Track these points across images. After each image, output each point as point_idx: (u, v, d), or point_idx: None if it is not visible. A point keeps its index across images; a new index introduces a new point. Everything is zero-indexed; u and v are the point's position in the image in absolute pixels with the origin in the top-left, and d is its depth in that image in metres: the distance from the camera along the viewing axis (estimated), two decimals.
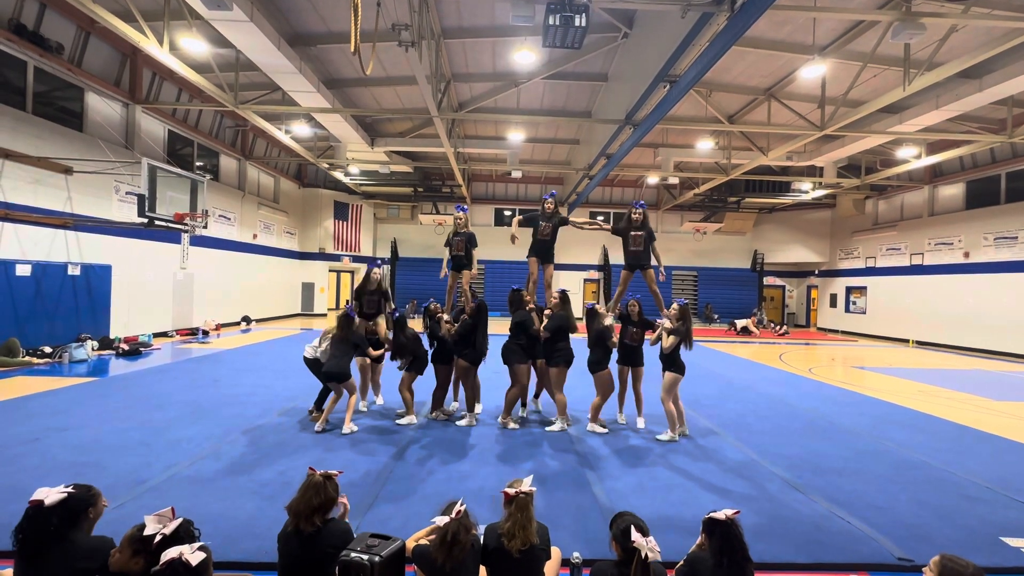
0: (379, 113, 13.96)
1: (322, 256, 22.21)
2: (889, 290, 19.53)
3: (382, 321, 6.43)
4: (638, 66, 10.17)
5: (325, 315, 22.20)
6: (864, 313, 20.81)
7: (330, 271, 23.06)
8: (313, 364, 6.04)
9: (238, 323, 16.79)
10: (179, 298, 13.99)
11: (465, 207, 6.85)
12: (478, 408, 6.38)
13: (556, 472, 4.60)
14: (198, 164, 15.01)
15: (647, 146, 16.64)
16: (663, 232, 24.88)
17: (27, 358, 9.00)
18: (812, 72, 10.58)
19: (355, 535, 2.46)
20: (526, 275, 6.63)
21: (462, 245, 6.52)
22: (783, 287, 25.46)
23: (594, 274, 24.31)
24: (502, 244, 22.80)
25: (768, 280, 24.72)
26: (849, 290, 21.82)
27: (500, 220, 24.85)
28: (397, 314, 6.29)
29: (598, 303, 6.35)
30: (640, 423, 6.14)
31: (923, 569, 2.08)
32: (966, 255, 16.37)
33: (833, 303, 22.81)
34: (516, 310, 6.04)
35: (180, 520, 2.14)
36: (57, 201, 10.22)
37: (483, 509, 3.49)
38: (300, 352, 11.47)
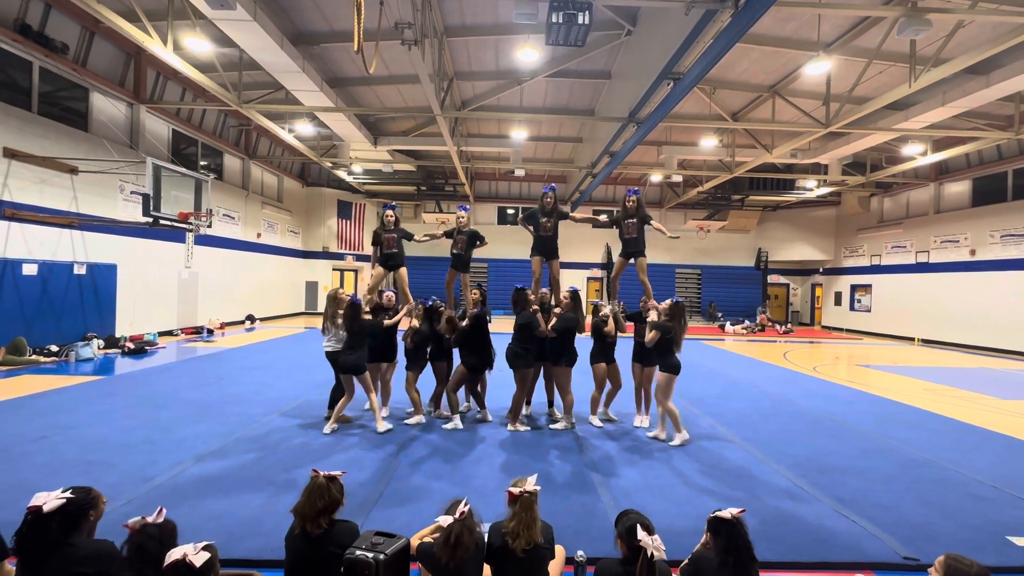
0: (382, 112, 13.97)
1: (326, 255, 22.25)
2: (894, 288, 19.43)
3: (404, 273, 6.26)
4: (641, 63, 10.14)
5: None
6: (869, 311, 20.71)
7: (334, 270, 23.10)
8: (335, 357, 5.86)
9: (242, 322, 16.86)
10: (184, 297, 14.05)
11: (467, 207, 6.77)
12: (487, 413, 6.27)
13: (560, 471, 4.61)
14: (202, 163, 15.06)
15: (650, 144, 16.58)
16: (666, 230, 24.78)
17: (34, 357, 9.07)
18: (817, 69, 10.49)
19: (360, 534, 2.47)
20: (525, 274, 6.57)
21: (463, 243, 6.38)
22: (787, 285, 25.37)
23: (597, 272, 24.28)
24: (505, 243, 22.92)
25: (772, 278, 24.63)
26: (854, 288, 21.72)
27: (503, 218, 24.84)
28: (429, 303, 6.12)
29: (603, 300, 6.30)
30: (643, 421, 6.14)
31: (929, 569, 2.07)
32: (972, 253, 16.26)
33: (838, 301, 22.71)
34: (520, 311, 5.94)
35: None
36: (63, 201, 10.27)
37: (487, 508, 3.49)
38: (303, 351, 11.57)
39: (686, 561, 2.41)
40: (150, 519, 2.14)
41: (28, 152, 9.40)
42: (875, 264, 20.54)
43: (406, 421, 5.95)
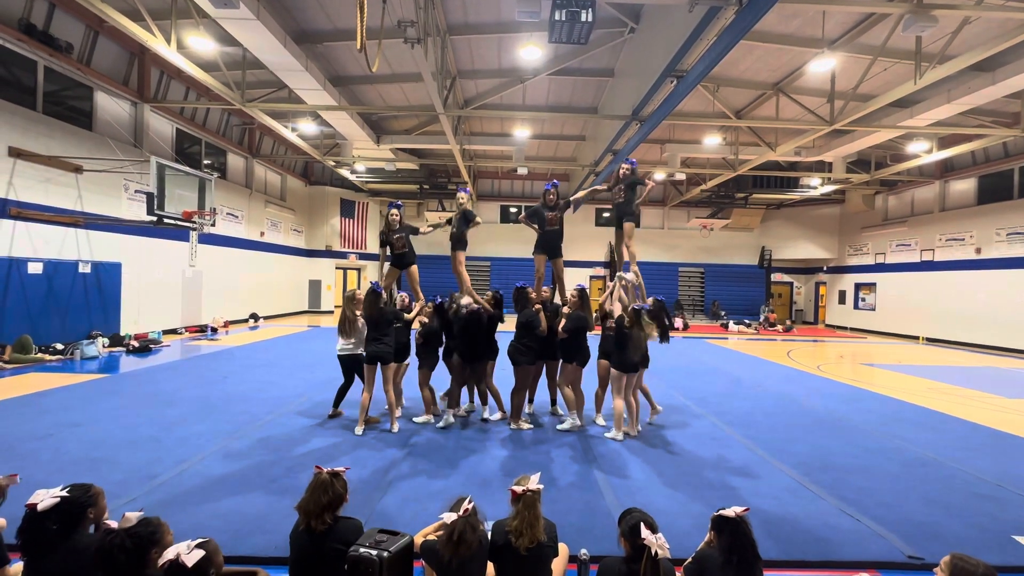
0: (385, 110, 13.97)
1: (329, 253, 22.29)
2: (899, 286, 19.34)
3: (415, 272, 6.31)
4: (645, 61, 10.10)
5: (332, 312, 22.30)
6: (873, 310, 20.62)
7: (337, 268, 23.15)
8: (350, 360, 5.88)
9: (246, 320, 16.92)
10: (188, 295, 14.11)
11: (467, 188, 6.70)
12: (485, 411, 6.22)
13: (564, 469, 4.61)
14: (206, 162, 15.10)
15: (654, 142, 16.54)
16: (669, 228, 24.78)
17: (39, 355, 9.12)
18: (821, 66, 10.45)
19: (364, 531, 2.48)
20: (528, 272, 6.55)
21: (456, 222, 6.28)
22: (791, 284, 25.28)
23: (600, 271, 24.25)
24: (508, 241, 22.96)
25: (776, 276, 24.56)
26: (858, 286, 21.63)
27: (506, 217, 24.83)
28: (439, 300, 6.14)
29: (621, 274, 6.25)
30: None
31: (934, 569, 2.07)
32: (978, 251, 16.17)
33: (842, 300, 22.63)
34: (521, 309, 5.92)
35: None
36: (67, 200, 10.32)
37: (491, 506, 3.50)
38: (307, 349, 11.60)
39: (690, 560, 2.41)
40: (116, 524, 2.06)
41: (33, 151, 9.45)
42: (880, 262, 20.44)
43: (415, 419, 5.94)
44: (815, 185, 19.77)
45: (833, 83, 11.39)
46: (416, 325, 6.06)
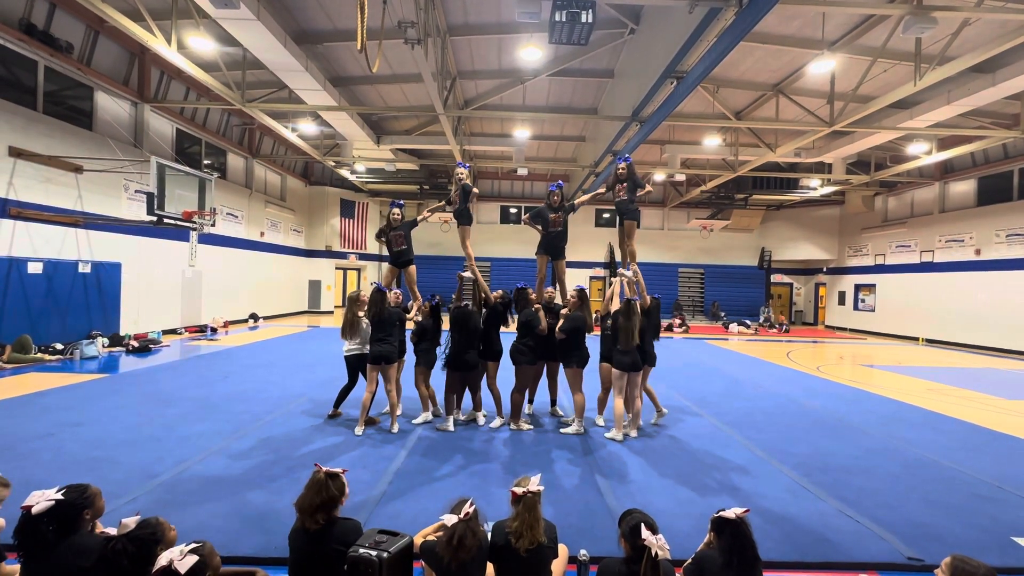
0: (385, 111, 13.98)
1: (329, 254, 22.29)
2: (899, 288, 19.34)
3: (413, 271, 6.40)
4: (645, 62, 10.11)
5: (332, 312, 22.30)
6: (873, 311, 20.63)
7: (337, 269, 23.14)
8: (357, 361, 5.90)
9: (246, 320, 16.91)
10: (188, 295, 14.10)
11: (467, 164, 6.64)
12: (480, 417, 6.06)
13: (563, 470, 4.61)
14: (206, 162, 15.10)
15: (653, 143, 16.55)
16: (669, 229, 24.78)
17: (39, 355, 9.12)
18: (821, 67, 10.46)
19: (363, 532, 2.48)
20: (532, 272, 6.56)
21: (458, 198, 6.27)
22: (791, 284, 25.30)
23: (600, 271, 24.26)
24: (508, 241, 22.95)
25: (776, 277, 24.56)
26: (858, 287, 21.64)
27: (506, 217, 24.84)
28: (435, 301, 6.18)
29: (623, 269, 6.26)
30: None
31: (935, 570, 2.06)
32: (977, 252, 16.18)
33: (842, 301, 22.63)
34: (522, 309, 5.93)
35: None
36: (67, 199, 10.32)
37: (491, 507, 3.50)
38: (307, 349, 11.59)
39: (689, 561, 2.40)
40: (115, 531, 2.07)
41: (33, 151, 9.45)
42: (879, 264, 20.45)
43: (414, 421, 5.94)
44: (815, 186, 19.79)
45: (833, 84, 11.40)
46: (410, 324, 6.07)
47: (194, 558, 1.89)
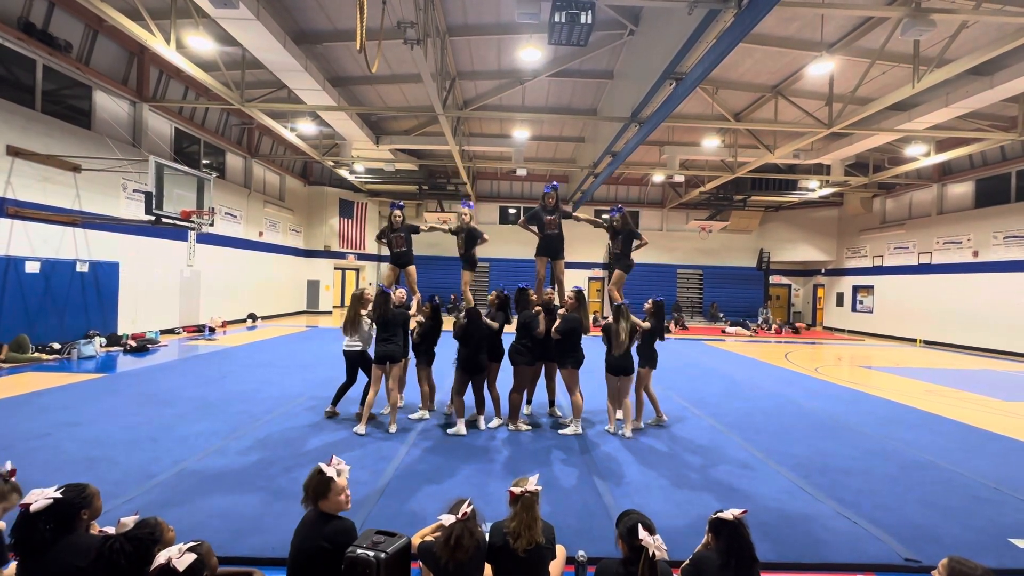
0: (384, 111, 13.98)
1: (327, 254, 22.27)
2: (897, 289, 19.38)
3: (413, 271, 6.50)
4: (644, 63, 10.13)
5: (330, 312, 22.28)
6: (871, 312, 20.66)
7: (335, 269, 23.12)
8: (358, 357, 5.95)
9: (244, 320, 16.89)
10: (186, 295, 14.08)
11: (471, 203, 6.71)
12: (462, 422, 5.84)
13: (561, 471, 4.61)
14: (204, 162, 15.08)
15: (652, 144, 16.56)
16: (668, 230, 24.81)
17: (36, 354, 9.09)
18: (820, 69, 10.49)
19: (359, 532, 2.47)
20: (531, 273, 6.56)
21: (462, 242, 6.33)
22: (789, 286, 25.33)
23: (599, 272, 24.28)
24: (507, 242, 22.90)
25: (774, 279, 24.60)
26: (856, 289, 21.68)
27: (505, 218, 24.84)
28: (436, 300, 6.32)
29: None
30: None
31: (932, 571, 2.07)
32: (975, 254, 16.22)
33: (840, 302, 22.67)
34: (521, 310, 5.93)
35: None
36: (66, 199, 10.30)
37: (489, 507, 3.50)
38: (305, 349, 11.57)
39: (687, 562, 2.40)
40: (113, 530, 2.07)
41: (31, 150, 9.43)
42: (877, 265, 20.49)
43: (411, 416, 6.03)
44: (813, 188, 19.83)
45: (832, 86, 11.43)
46: (413, 324, 6.11)
47: (192, 556, 1.89)
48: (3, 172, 9.08)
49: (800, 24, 9.58)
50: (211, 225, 11.79)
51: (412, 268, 6.49)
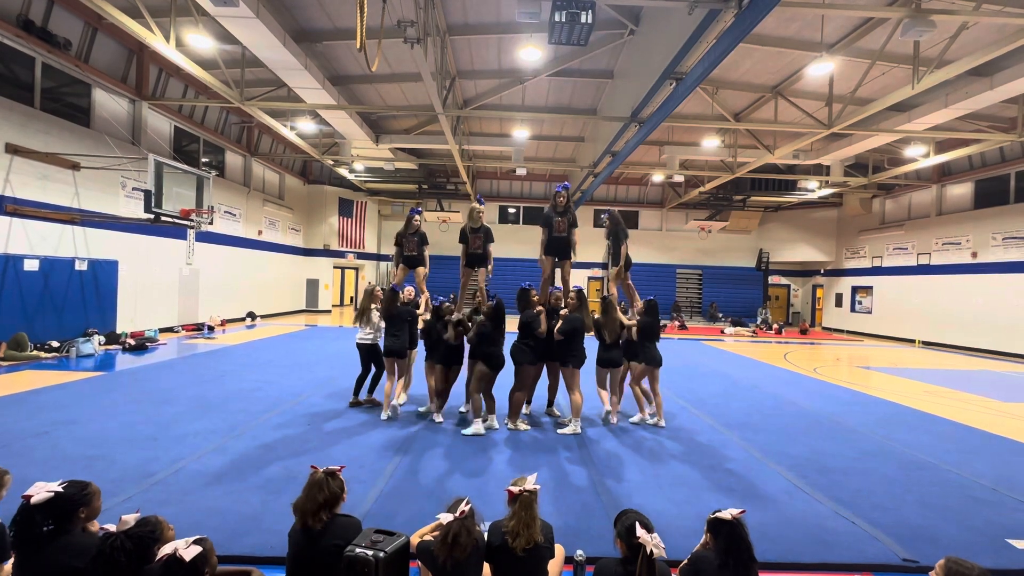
0: (384, 110, 13.96)
1: (327, 252, 22.26)
2: (895, 290, 19.41)
3: (422, 270, 6.77)
4: (644, 63, 10.13)
5: (329, 311, 22.28)
6: (870, 313, 20.69)
7: (335, 268, 23.12)
8: (370, 350, 6.43)
9: (243, 319, 16.88)
10: (185, 293, 14.07)
11: (483, 200, 6.67)
12: (492, 419, 5.88)
13: (560, 470, 4.61)
14: (204, 160, 15.06)
15: (652, 144, 16.58)
16: (667, 230, 24.83)
17: (35, 352, 9.08)
18: (820, 70, 10.49)
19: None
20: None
21: (479, 241, 6.32)
22: (788, 286, 25.36)
23: (598, 272, 24.28)
24: (507, 241, 22.93)
25: (773, 279, 24.62)
26: (855, 290, 21.71)
27: (505, 217, 24.85)
28: (438, 301, 6.35)
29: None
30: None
31: (929, 572, 2.07)
32: (974, 255, 16.24)
33: (839, 303, 22.70)
34: (524, 309, 5.90)
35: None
36: (64, 197, 10.28)
37: (487, 507, 3.50)
38: (304, 348, 11.57)
39: (685, 561, 2.41)
40: (114, 528, 2.06)
41: (30, 148, 9.41)
42: (876, 266, 20.52)
43: (420, 409, 6.34)
44: (813, 188, 19.85)
45: (831, 87, 11.44)
46: (421, 323, 6.47)
47: (198, 548, 1.91)
48: (2, 170, 9.06)
49: (800, 24, 9.59)
50: (210, 224, 11.77)
51: (421, 269, 6.78)
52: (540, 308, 5.92)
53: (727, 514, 2.28)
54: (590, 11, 6.71)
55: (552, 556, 2.52)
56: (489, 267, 6.47)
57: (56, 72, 10.18)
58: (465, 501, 2.39)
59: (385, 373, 6.25)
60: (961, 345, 16.38)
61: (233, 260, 16.36)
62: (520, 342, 5.87)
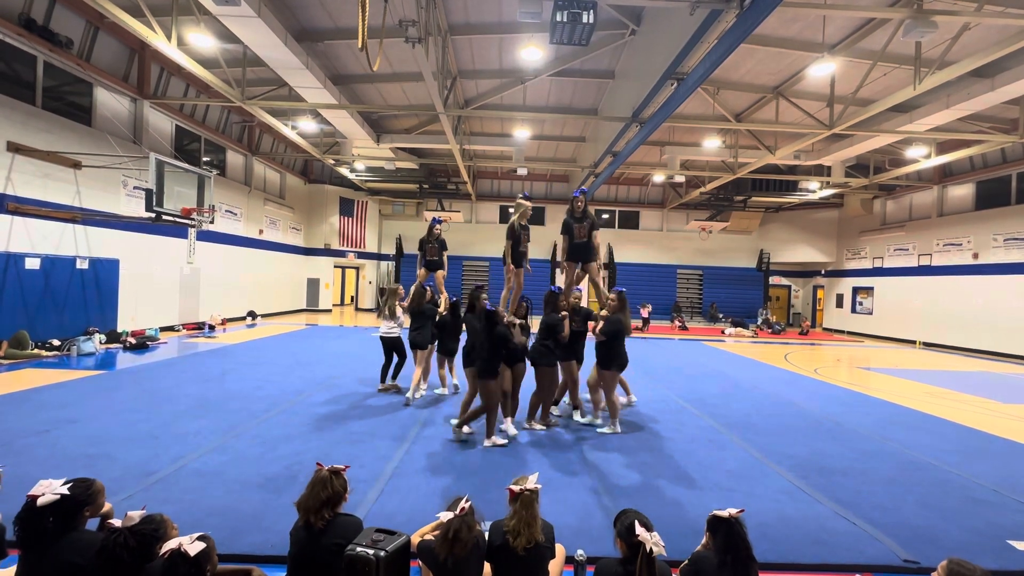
0: (385, 109, 13.96)
1: (327, 252, 22.26)
2: (896, 291, 19.39)
3: (441, 273, 7.64)
4: (645, 63, 10.12)
5: (330, 310, 22.28)
6: (871, 314, 20.67)
7: (335, 267, 23.12)
8: (394, 342, 7.28)
9: (244, 318, 16.89)
10: (185, 292, 14.07)
11: (529, 195, 6.52)
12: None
13: (562, 470, 4.61)
14: (205, 159, 15.07)
15: (653, 144, 16.57)
16: (668, 231, 24.82)
17: (36, 351, 9.09)
18: (821, 70, 10.49)
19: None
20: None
21: (526, 237, 6.22)
22: (789, 287, 25.33)
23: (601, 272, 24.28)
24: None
25: (774, 279, 24.60)
26: (856, 290, 21.69)
27: (505, 217, 24.80)
28: (454, 299, 7.06)
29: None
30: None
31: (931, 573, 2.07)
32: (975, 256, 16.23)
33: (839, 303, 22.68)
34: (550, 312, 5.86)
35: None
36: (66, 195, 10.29)
37: (488, 506, 3.50)
38: (305, 347, 11.58)
39: (686, 562, 2.41)
40: (118, 522, 2.08)
41: (32, 146, 9.42)
42: (877, 267, 20.50)
43: (436, 390, 7.33)
44: (814, 189, 19.83)
45: (833, 87, 11.43)
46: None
47: (202, 544, 1.93)
48: (3, 168, 9.07)
49: (802, 25, 9.58)
50: (211, 223, 11.79)
51: (440, 273, 7.65)
52: (565, 313, 5.87)
53: (726, 513, 2.29)
54: (592, 11, 6.71)
55: (553, 556, 2.52)
56: (527, 265, 6.36)
57: (58, 71, 10.19)
58: (465, 499, 2.39)
59: (411, 361, 7.10)
60: (962, 346, 16.36)
61: (234, 259, 16.37)
62: (540, 343, 5.83)
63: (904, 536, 3.52)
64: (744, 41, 7.04)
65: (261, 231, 18.18)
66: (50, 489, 2.17)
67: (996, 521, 3.84)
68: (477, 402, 5.45)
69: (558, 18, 6.73)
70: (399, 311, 7.24)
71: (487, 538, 2.46)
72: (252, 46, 9.39)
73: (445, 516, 2.33)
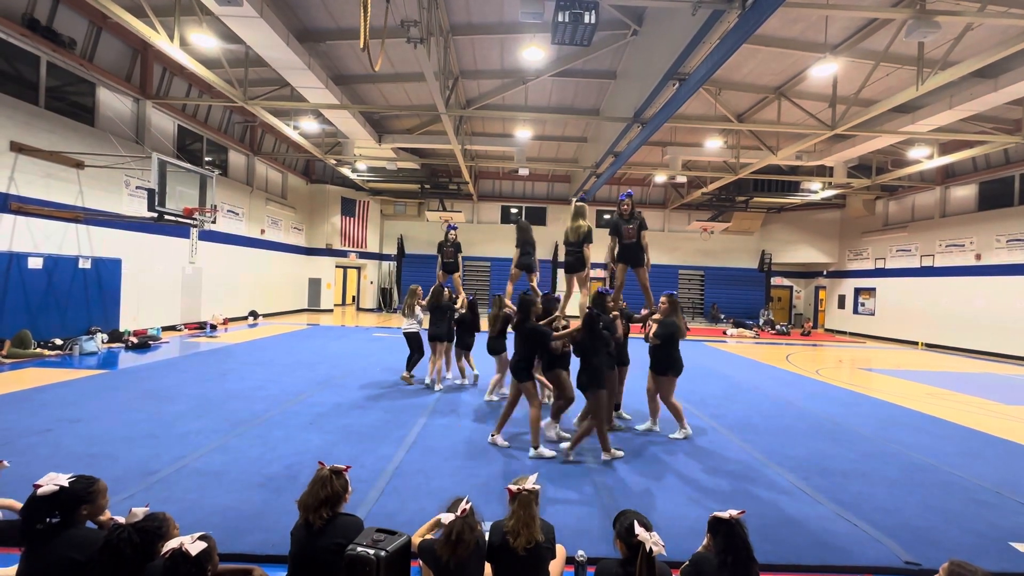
0: (387, 110, 13.98)
1: (329, 252, 22.29)
2: (899, 292, 19.35)
3: (458, 277, 8.24)
4: (647, 64, 10.11)
5: (331, 310, 22.30)
6: (873, 315, 20.63)
7: (337, 267, 23.14)
8: (414, 337, 7.85)
9: (245, 318, 16.91)
10: (187, 292, 14.10)
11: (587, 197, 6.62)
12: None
13: (563, 470, 4.61)
14: (207, 159, 15.10)
15: (655, 144, 16.55)
16: (669, 231, 24.79)
17: (38, 350, 9.12)
18: (823, 71, 10.47)
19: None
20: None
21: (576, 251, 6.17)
22: (791, 288, 25.29)
23: (600, 272, 24.26)
24: (508, 241, 22.90)
25: (776, 280, 24.56)
26: (858, 291, 21.64)
27: (507, 217, 24.82)
28: (471, 297, 7.75)
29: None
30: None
31: (933, 575, 2.06)
32: (978, 257, 16.18)
33: (841, 304, 22.63)
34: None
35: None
36: (68, 195, 10.32)
37: (488, 506, 3.50)
38: (306, 347, 11.60)
39: (687, 563, 2.40)
40: (122, 519, 2.10)
41: (35, 146, 9.45)
42: (879, 267, 20.45)
43: (457, 380, 8.02)
44: (816, 189, 19.79)
45: (835, 88, 11.41)
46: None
47: (203, 544, 1.94)
48: (6, 168, 9.10)
49: (804, 25, 9.57)
50: (213, 222, 11.81)
51: (457, 274, 8.26)
52: (616, 314, 5.73)
53: (726, 514, 2.29)
54: (593, 11, 6.71)
55: (553, 556, 2.52)
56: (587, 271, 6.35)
57: (61, 71, 10.22)
58: (465, 500, 2.39)
59: (429, 353, 7.71)
60: (964, 347, 16.31)
61: (236, 259, 16.40)
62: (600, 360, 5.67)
63: (906, 538, 3.51)
64: (746, 41, 7.04)
65: (263, 231, 18.21)
66: (53, 481, 2.19)
67: (998, 523, 3.82)
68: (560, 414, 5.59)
69: (560, 18, 6.74)
70: (417, 309, 7.83)
71: (487, 538, 2.46)
72: (254, 46, 9.41)
73: (446, 517, 2.34)
